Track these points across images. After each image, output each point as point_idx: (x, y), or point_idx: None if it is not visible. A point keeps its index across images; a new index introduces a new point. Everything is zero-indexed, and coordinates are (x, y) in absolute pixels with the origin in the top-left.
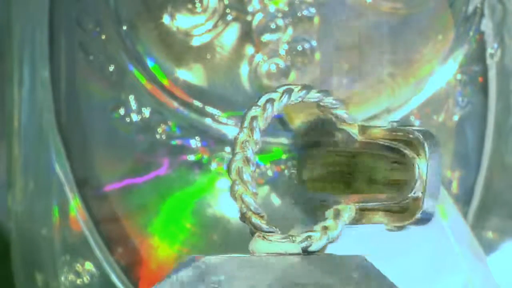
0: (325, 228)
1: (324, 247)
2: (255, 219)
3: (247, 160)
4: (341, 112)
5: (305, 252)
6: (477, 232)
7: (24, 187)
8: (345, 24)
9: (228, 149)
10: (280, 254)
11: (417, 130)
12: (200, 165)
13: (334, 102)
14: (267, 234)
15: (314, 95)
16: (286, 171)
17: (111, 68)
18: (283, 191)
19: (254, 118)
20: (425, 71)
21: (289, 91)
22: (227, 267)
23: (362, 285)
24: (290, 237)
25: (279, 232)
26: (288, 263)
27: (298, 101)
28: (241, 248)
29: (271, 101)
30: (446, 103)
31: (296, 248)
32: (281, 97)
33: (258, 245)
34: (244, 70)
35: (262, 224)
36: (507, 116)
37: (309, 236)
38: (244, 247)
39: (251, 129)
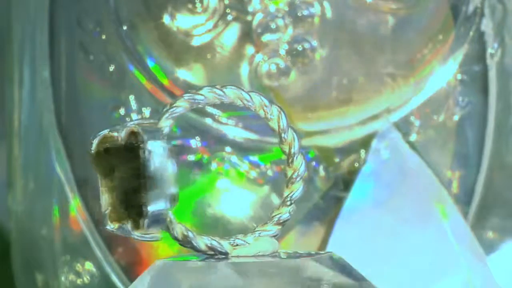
0: None
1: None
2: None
3: None
4: None
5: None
6: (477, 232)
7: (24, 187)
8: (345, 24)
9: (228, 149)
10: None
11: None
12: (200, 165)
13: None
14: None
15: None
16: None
17: (111, 68)
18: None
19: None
20: (425, 71)
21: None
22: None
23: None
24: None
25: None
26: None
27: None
28: None
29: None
30: (446, 103)
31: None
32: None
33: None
34: (244, 70)
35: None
36: (507, 116)
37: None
38: None
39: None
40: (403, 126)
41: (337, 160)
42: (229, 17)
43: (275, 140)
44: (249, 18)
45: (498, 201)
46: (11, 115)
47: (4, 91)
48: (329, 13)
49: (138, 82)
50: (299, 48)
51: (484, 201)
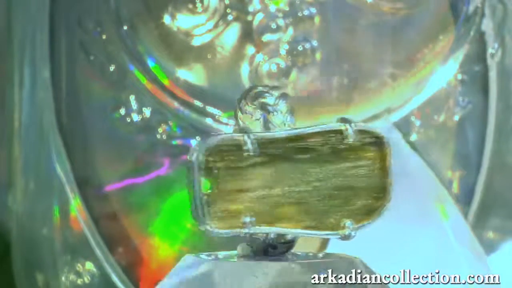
0: None
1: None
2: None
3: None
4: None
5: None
6: (478, 232)
7: (25, 187)
8: (346, 24)
9: None
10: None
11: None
12: None
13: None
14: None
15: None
16: None
17: (112, 68)
18: None
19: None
20: (425, 71)
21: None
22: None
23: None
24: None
25: None
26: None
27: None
28: None
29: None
30: (446, 103)
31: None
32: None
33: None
34: (244, 70)
35: None
36: (507, 116)
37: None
38: None
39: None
40: (403, 126)
41: None
42: (230, 17)
43: None
44: (249, 18)
45: (498, 201)
46: (11, 115)
47: (4, 91)
48: (329, 13)
49: (139, 82)
50: (300, 48)
51: (484, 201)
